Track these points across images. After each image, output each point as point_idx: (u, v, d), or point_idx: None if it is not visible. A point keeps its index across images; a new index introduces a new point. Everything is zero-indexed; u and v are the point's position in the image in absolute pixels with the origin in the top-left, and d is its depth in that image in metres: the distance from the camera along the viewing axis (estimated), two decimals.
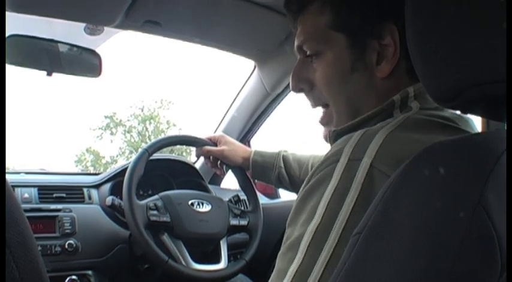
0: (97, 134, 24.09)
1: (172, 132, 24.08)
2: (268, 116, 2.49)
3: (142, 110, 24.60)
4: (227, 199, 2.22)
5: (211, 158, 2.07)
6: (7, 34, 1.70)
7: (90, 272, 1.95)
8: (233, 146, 2.01)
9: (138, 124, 24.47)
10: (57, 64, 1.83)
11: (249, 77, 2.43)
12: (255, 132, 2.61)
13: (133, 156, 1.99)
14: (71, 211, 2.00)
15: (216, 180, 2.72)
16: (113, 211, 2.03)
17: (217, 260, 1.97)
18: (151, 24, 1.84)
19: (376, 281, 0.61)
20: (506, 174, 0.59)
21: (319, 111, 1.14)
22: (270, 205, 2.49)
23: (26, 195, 1.98)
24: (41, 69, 1.80)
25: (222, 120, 2.59)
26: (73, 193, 2.11)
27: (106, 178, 2.22)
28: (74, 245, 1.90)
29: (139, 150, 2.01)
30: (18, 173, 2.25)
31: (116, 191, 2.12)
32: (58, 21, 1.81)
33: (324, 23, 1.02)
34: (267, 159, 1.92)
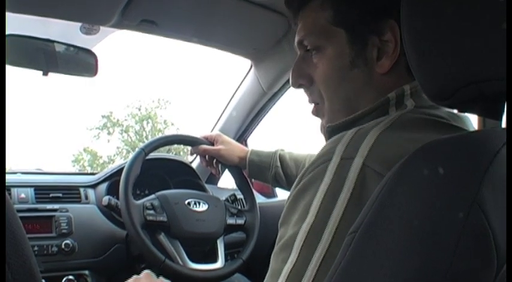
0: (94, 134, 24.08)
1: (170, 131, 24.08)
2: (265, 115, 2.50)
3: (139, 110, 24.59)
4: (224, 198, 2.22)
5: (207, 157, 2.06)
6: None
7: (87, 272, 1.94)
8: (230, 145, 2.01)
9: (135, 123, 24.45)
10: (53, 64, 1.82)
11: (245, 76, 2.43)
12: (252, 131, 2.61)
13: (131, 156, 1.99)
14: (67, 211, 2.00)
15: (213, 179, 2.72)
16: (109, 211, 2.03)
17: (214, 260, 1.97)
18: (147, 23, 1.84)
19: (372, 280, 0.61)
20: (506, 174, 0.59)
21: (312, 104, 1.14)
22: (266, 204, 2.49)
23: (23, 195, 1.98)
24: (37, 68, 1.80)
25: (218, 120, 2.59)
26: (69, 193, 2.10)
27: (102, 178, 2.22)
28: (71, 245, 1.90)
29: (136, 149, 2.01)
30: (15, 173, 2.25)
31: (112, 190, 2.12)
32: (54, 20, 1.81)
33: (325, 19, 1.02)
34: (263, 158, 1.92)
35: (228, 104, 2.52)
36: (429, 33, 0.68)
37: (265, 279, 0.84)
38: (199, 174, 2.48)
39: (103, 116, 24.17)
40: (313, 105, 1.13)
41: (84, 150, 24.02)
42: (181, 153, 16.47)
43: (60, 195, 2.07)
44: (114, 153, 24.12)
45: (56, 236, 1.91)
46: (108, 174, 2.23)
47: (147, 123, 24.48)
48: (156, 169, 2.34)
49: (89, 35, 1.96)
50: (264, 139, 2.83)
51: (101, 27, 1.91)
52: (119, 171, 2.08)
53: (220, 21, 1.94)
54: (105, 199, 1.94)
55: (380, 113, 0.94)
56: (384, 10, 0.96)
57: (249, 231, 2.09)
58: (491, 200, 0.58)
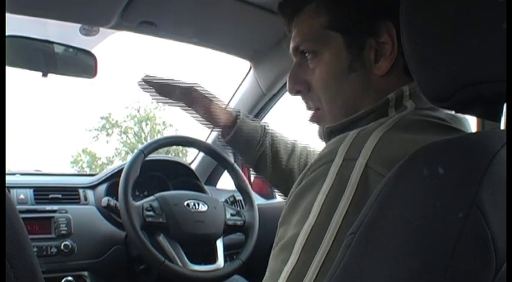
0: (93, 135, 24.06)
1: (169, 133, 24.05)
2: (264, 117, 2.49)
3: (138, 111, 24.56)
4: (223, 199, 2.23)
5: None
6: None
7: (86, 273, 1.94)
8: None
9: (134, 125, 24.43)
10: (53, 65, 1.82)
11: (244, 78, 2.43)
12: None
13: (129, 157, 1.99)
14: (66, 212, 2.00)
15: (212, 180, 2.73)
16: (108, 212, 2.03)
17: (213, 261, 1.97)
18: (146, 25, 1.84)
19: (371, 281, 0.61)
20: (506, 175, 0.60)
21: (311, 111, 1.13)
22: (265, 205, 2.49)
23: (22, 196, 1.98)
24: (36, 70, 1.80)
25: None
26: (69, 194, 2.11)
27: (102, 179, 2.23)
28: (70, 246, 1.90)
29: (135, 151, 2.01)
30: (14, 174, 2.25)
31: (111, 191, 2.12)
32: (53, 22, 1.81)
33: (321, 24, 1.02)
34: (251, 131, 1.61)
35: (227, 105, 2.52)
36: (428, 34, 0.68)
37: (264, 280, 0.84)
38: (198, 175, 2.49)
39: (102, 117, 24.16)
40: (311, 112, 1.12)
41: (83, 151, 24.01)
42: (180, 154, 16.46)
43: (60, 196, 2.07)
44: (113, 154, 24.12)
45: (55, 237, 1.91)
46: (107, 176, 2.23)
47: (146, 124, 24.47)
48: (155, 170, 2.34)
49: (89, 37, 1.97)
50: None
51: (101, 29, 1.92)
52: (118, 173, 2.08)
53: (220, 22, 1.94)
54: (105, 200, 1.95)
55: (379, 114, 0.94)
56: (380, 11, 0.96)
57: (248, 232, 2.09)
58: (490, 201, 0.58)
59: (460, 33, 0.64)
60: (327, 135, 1.00)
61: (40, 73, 1.80)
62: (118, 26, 1.83)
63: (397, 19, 0.77)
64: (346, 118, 0.99)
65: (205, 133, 2.63)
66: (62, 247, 1.89)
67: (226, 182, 2.69)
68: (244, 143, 1.60)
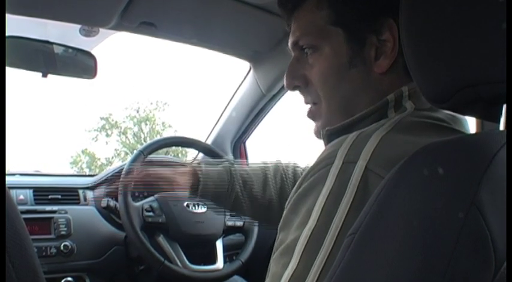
0: (92, 136, 23.98)
1: (168, 133, 24.02)
2: (263, 117, 2.50)
3: (137, 112, 24.51)
4: None
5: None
6: None
7: (85, 274, 1.95)
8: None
9: (134, 125, 24.38)
10: (53, 65, 1.82)
11: (244, 78, 2.43)
12: (251, 134, 2.61)
13: (129, 158, 1.99)
14: (66, 213, 2.00)
15: None
16: (108, 213, 2.04)
17: (213, 261, 1.97)
18: (146, 25, 1.84)
19: (371, 281, 0.61)
20: (506, 175, 0.60)
21: (308, 106, 1.12)
22: None
23: (21, 196, 1.98)
24: (36, 70, 1.80)
25: (217, 122, 2.59)
26: (68, 195, 2.11)
27: (101, 180, 2.23)
28: (70, 247, 1.90)
29: (135, 151, 2.01)
30: (13, 174, 2.25)
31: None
32: (53, 22, 1.81)
33: (322, 18, 1.01)
34: (217, 181, 1.56)
35: (226, 106, 2.52)
36: (427, 35, 0.68)
37: None
38: None
39: (101, 118, 24.10)
40: (308, 107, 1.11)
41: (83, 152, 23.95)
42: (180, 155, 16.45)
43: (59, 196, 2.07)
44: (113, 155, 24.05)
45: (54, 238, 1.92)
46: (107, 176, 2.23)
47: (146, 125, 24.43)
48: None
49: (88, 37, 1.97)
50: (263, 141, 2.83)
51: (100, 29, 1.92)
52: (118, 173, 2.08)
53: (219, 23, 1.94)
54: (104, 201, 1.95)
55: (379, 116, 0.94)
56: (382, 9, 0.95)
57: (247, 233, 2.09)
58: (489, 202, 0.58)
59: (459, 34, 0.64)
60: (326, 137, 0.99)
61: (40, 74, 1.80)
62: (118, 27, 1.83)
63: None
64: (343, 116, 0.99)
65: (204, 134, 2.64)
66: (62, 248, 1.89)
67: None
68: (215, 194, 1.56)
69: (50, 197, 2.05)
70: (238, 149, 2.71)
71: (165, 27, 1.91)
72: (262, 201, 1.57)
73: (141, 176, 1.69)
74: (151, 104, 24.74)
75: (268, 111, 2.47)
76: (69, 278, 1.90)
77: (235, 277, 2.19)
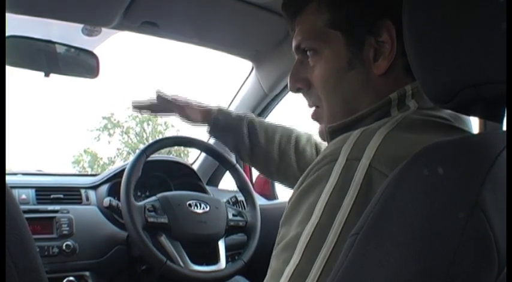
0: (94, 135, 23.98)
1: (170, 133, 24.03)
2: (266, 117, 2.49)
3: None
4: (225, 200, 2.22)
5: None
6: None
7: (87, 273, 1.95)
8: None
9: (136, 125, 24.38)
10: (55, 65, 1.83)
11: (246, 78, 2.43)
12: None
13: (131, 158, 1.99)
14: (68, 212, 2.00)
15: (214, 181, 2.73)
16: (110, 212, 2.04)
17: (215, 261, 1.97)
18: (148, 25, 1.84)
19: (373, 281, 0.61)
20: (506, 174, 0.59)
21: (312, 108, 1.13)
22: (267, 206, 2.49)
23: (24, 196, 1.98)
24: (38, 70, 1.80)
25: None
26: (70, 194, 2.11)
27: (104, 179, 2.23)
28: (72, 246, 1.90)
29: (137, 151, 2.01)
30: (16, 174, 2.26)
31: (113, 192, 2.13)
32: (55, 22, 1.82)
33: (322, 22, 1.02)
34: (230, 121, 1.74)
35: (229, 105, 2.52)
36: (430, 35, 0.68)
37: (266, 280, 0.83)
38: (200, 175, 2.49)
39: (104, 118, 24.10)
40: (313, 110, 1.13)
41: (85, 151, 23.96)
42: (182, 154, 16.46)
43: (61, 196, 2.08)
44: (115, 154, 24.06)
45: (56, 237, 1.92)
46: (109, 176, 2.23)
47: (148, 125, 24.44)
48: (157, 171, 2.35)
49: (91, 37, 1.97)
50: None
51: (103, 29, 1.92)
52: (120, 173, 2.08)
53: (222, 23, 1.94)
54: (106, 200, 1.95)
55: (382, 114, 0.94)
56: (380, 11, 0.96)
57: (250, 232, 2.09)
58: (492, 203, 0.58)
59: (461, 34, 0.64)
60: (329, 134, 0.99)
61: (42, 73, 1.80)
62: (120, 26, 1.83)
63: (397, 18, 0.77)
64: (344, 118, 0.99)
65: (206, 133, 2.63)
66: (64, 247, 1.89)
67: (228, 182, 2.69)
68: (224, 133, 1.75)
69: (52, 196, 2.05)
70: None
71: (167, 26, 1.91)
72: (260, 150, 1.71)
73: (157, 98, 1.80)
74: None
75: (270, 111, 2.47)
76: (71, 278, 1.90)
77: (238, 277, 2.19)
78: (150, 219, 1.86)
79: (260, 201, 2.43)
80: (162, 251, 1.84)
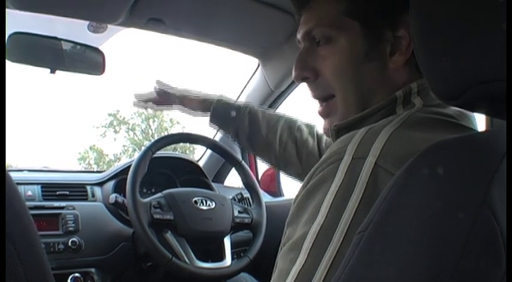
0: (100, 132, 24.05)
1: (176, 130, 24.05)
2: None
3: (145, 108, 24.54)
4: (231, 197, 2.23)
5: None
6: (11, 32, 1.70)
7: (93, 270, 1.95)
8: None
9: (142, 122, 24.43)
10: (61, 62, 1.83)
11: (252, 75, 2.43)
12: None
13: (137, 154, 2.00)
14: (74, 209, 2.01)
15: (220, 178, 2.73)
16: (116, 209, 2.04)
17: (220, 258, 1.97)
18: (154, 21, 1.84)
19: (380, 280, 0.61)
20: (506, 173, 0.59)
21: (318, 103, 1.10)
22: (273, 203, 2.49)
23: (30, 192, 1.99)
24: (44, 66, 1.81)
25: None
26: (76, 191, 2.11)
27: (109, 176, 2.23)
28: (77, 243, 1.90)
29: (143, 148, 2.02)
30: (22, 170, 2.27)
31: (119, 188, 2.13)
32: (61, 18, 1.82)
33: (338, 9, 0.99)
34: (229, 109, 1.77)
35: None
36: (438, 32, 0.68)
37: (272, 280, 0.83)
38: (205, 172, 2.49)
39: (109, 114, 24.16)
40: (321, 105, 1.09)
41: (90, 148, 24.02)
42: (188, 151, 16.48)
43: (67, 193, 2.08)
44: (120, 151, 24.13)
45: (62, 234, 1.92)
46: (115, 173, 2.24)
47: (154, 121, 24.48)
48: (162, 167, 2.35)
49: (97, 33, 1.97)
50: None
51: (109, 26, 1.92)
52: (126, 170, 2.08)
53: (228, 19, 1.94)
54: (112, 197, 1.95)
55: (387, 112, 0.93)
56: (399, 5, 0.94)
57: (255, 229, 2.09)
58: (500, 200, 0.58)
59: (471, 30, 0.64)
60: (334, 133, 0.98)
61: (48, 70, 1.80)
62: (126, 23, 1.83)
63: None
64: (359, 110, 0.98)
65: (212, 130, 2.64)
66: (70, 244, 1.89)
67: (233, 179, 2.69)
68: (223, 123, 1.78)
69: (58, 193, 2.06)
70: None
71: (173, 23, 1.91)
72: (261, 138, 1.73)
73: (158, 91, 1.88)
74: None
75: (276, 108, 2.47)
76: (77, 274, 1.90)
77: (243, 274, 2.20)
78: (156, 216, 1.86)
79: (266, 198, 2.43)
80: (167, 248, 1.85)
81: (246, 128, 1.73)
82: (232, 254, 2.03)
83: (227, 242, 2.02)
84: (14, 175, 2.05)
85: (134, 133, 24.41)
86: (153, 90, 1.89)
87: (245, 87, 2.48)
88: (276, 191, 2.76)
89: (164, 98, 1.88)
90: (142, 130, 24.50)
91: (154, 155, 2.00)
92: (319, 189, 0.81)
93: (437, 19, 0.68)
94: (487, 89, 0.63)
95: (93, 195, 2.14)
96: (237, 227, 2.05)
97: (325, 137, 1.66)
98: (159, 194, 1.97)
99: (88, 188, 2.16)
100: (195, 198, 1.99)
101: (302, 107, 1.85)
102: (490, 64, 0.62)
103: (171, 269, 1.83)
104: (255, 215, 2.11)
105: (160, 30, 1.95)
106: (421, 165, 0.65)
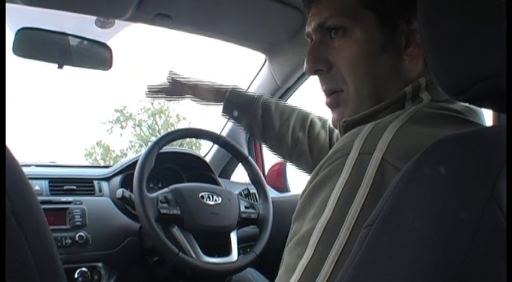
0: (107, 128, 24.09)
1: (182, 125, 24.08)
2: None
3: (152, 104, 24.56)
4: (237, 192, 2.23)
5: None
6: (18, 27, 1.71)
7: (100, 264, 1.96)
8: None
9: (148, 118, 24.46)
10: (68, 57, 1.83)
11: (259, 71, 2.43)
12: None
13: (144, 150, 2.00)
14: (81, 203, 2.01)
15: (226, 173, 2.73)
16: (123, 203, 2.05)
17: (227, 253, 1.97)
18: (162, 17, 1.85)
19: (386, 274, 0.61)
20: (506, 174, 0.59)
21: (325, 95, 1.09)
22: (279, 199, 2.49)
23: (37, 187, 2.00)
24: (51, 62, 1.81)
25: None
26: (84, 185, 2.12)
27: (117, 171, 2.24)
28: (84, 237, 1.91)
29: (150, 143, 2.02)
30: (29, 165, 2.27)
31: (126, 183, 2.13)
32: (69, 14, 1.82)
33: (354, 0, 0.98)
34: (243, 100, 1.77)
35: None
36: (446, 27, 0.68)
37: (279, 275, 0.83)
38: (212, 168, 2.49)
39: (116, 110, 24.19)
40: (330, 97, 1.07)
41: (97, 143, 24.07)
42: (194, 147, 16.49)
43: (75, 187, 2.09)
44: (127, 147, 24.16)
45: (69, 228, 1.93)
46: (122, 168, 2.24)
47: (160, 117, 24.50)
48: (169, 163, 2.35)
49: (104, 29, 1.98)
50: None
51: (116, 21, 1.92)
52: (133, 165, 2.09)
53: (235, 15, 1.94)
54: (119, 192, 1.96)
55: (396, 107, 0.93)
56: None
57: (262, 225, 2.09)
58: (506, 194, 0.58)
59: (479, 25, 0.64)
60: (342, 128, 0.97)
61: (55, 65, 1.81)
62: (133, 18, 1.84)
63: None
64: (372, 103, 0.97)
65: (219, 126, 2.64)
66: (77, 238, 1.90)
67: (240, 174, 2.69)
68: (236, 113, 1.76)
69: (65, 187, 2.07)
70: (253, 141, 2.72)
71: (180, 18, 1.91)
72: (273, 131, 1.72)
73: (171, 81, 1.87)
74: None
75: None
76: (84, 268, 1.91)
77: (249, 269, 2.20)
78: (163, 211, 1.86)
79: (272, 193, 2.43)
80: (174, 243, 1.85)
81: (259, 120, 1.73)
82: (239, 249, 2.03)
83: (233, 237, 2.02)
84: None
85: (141, 129, 24.45)
86: (166, 80, 1.88)
87: (252, 82, 2.47)
88: (282, 187, 2.77)
89: (177, 88, 1.87)
90: (148, 126, 24.53)
91: (161, 150, 2.01)
92: (326, 184, 0.81)
93: (444, 13, 0.68)
94: (494, 84, 0.63)
95: (100, 190, 2.15)
96: (243, 222, 2.05)
97: (336, 131, 1.65)
98: (165, 189, 1.97)
99: (95, 182, 2.17)
100: (202, 193, 2.00)
101: (309, 102, 1.85)
102: (496, 59, 0.62)
103: (177, 264, 1.84)
104: (261, 210, 2.11)
105: (167, 25, 1.95)
106: (427, 160, 0.65)
